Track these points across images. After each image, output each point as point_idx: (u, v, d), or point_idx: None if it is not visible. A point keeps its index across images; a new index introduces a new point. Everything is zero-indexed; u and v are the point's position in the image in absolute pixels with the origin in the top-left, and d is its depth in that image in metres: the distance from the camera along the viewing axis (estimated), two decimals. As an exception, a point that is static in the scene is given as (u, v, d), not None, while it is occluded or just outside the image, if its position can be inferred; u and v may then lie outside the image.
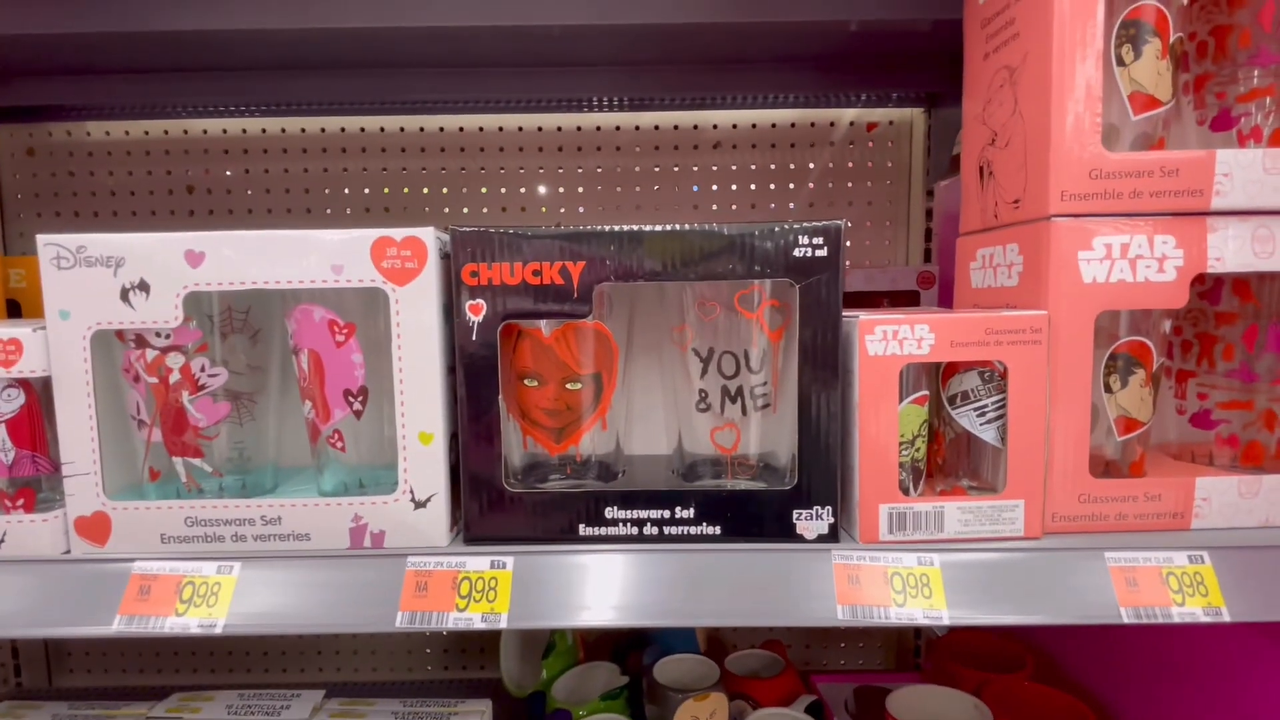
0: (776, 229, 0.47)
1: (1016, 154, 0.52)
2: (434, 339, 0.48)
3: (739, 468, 0.51)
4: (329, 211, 1.08)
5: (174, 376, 0.50)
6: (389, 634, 1.10)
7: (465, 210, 1.10)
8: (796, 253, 0.47)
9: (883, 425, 0.48)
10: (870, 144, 1.11)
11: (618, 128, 1.12)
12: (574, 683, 0.97)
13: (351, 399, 0.50)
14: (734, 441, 0.51)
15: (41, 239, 0.48)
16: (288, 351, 0.56)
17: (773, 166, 1.12)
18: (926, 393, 0.50)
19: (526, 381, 0.51)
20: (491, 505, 0.50)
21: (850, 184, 1.12)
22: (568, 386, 0.50)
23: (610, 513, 0.49)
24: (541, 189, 1.11)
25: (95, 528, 0.49)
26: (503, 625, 0.47)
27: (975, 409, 0.50)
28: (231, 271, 0.48)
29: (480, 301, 0.48)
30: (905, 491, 0.49)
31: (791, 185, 1.12)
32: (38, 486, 0.50)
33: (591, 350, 0.50)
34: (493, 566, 0.49)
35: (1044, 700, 0.83)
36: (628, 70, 1.01)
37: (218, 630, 0.47)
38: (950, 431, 0.53)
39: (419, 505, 0.50)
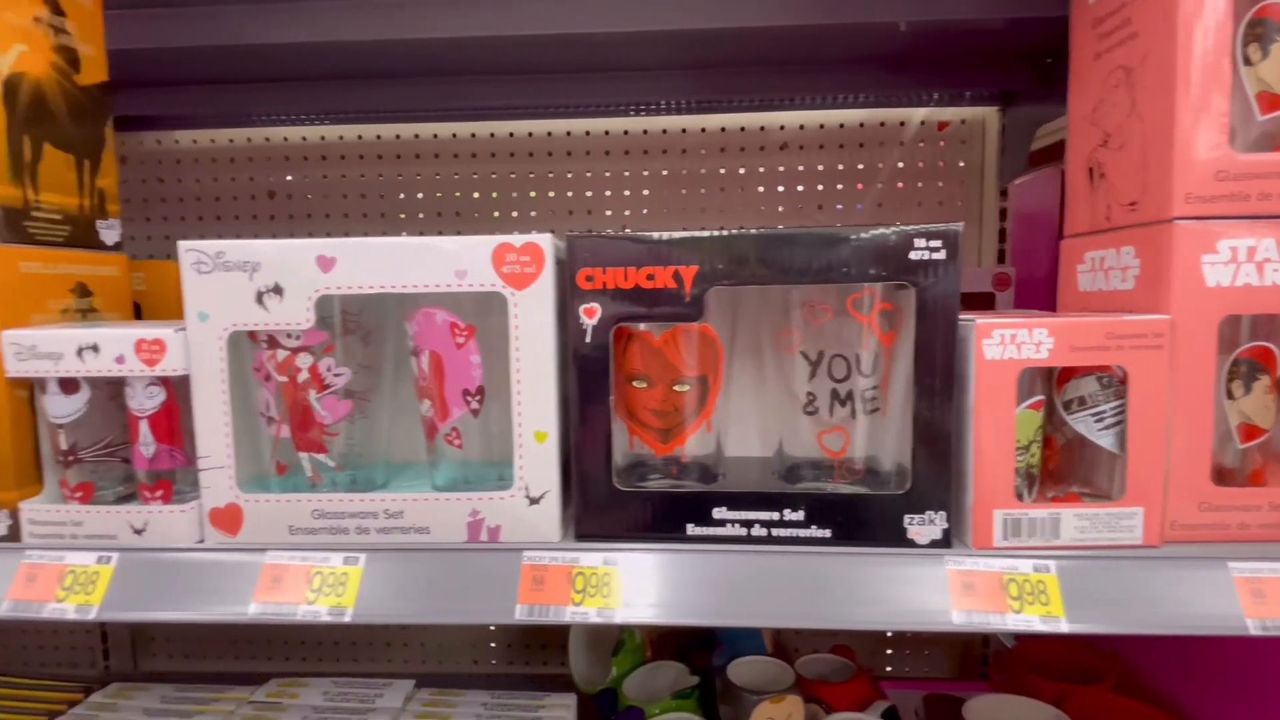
0: (893, 231, 0.47)
1: (1134, 155, 0.51)
2: (549, 341, 0.50)
3: (845, 472, 0.52)
4: (402, 216, 1.11)
5: (302, 376, 0.52)
6: (468, 628, 1.13)
7: (533, 214, 1.12)
8: (913, 255, 0.47)
9: (999, 430, 0.47)
10: (941, 143, 1.10)
11: (684, 130, 1.12)
12: (643, 680, 0.98)
13: (470, 398, 0.52)
14: (843, 445, 0.51)
15: (183, 245, 0.51)
16: (399, 351, 0.58)
17: (841, 167, 1.11)
18: (1042, 398, 0.49)
19: (635, 383, 0.52)
20: (602, 503, 0.51)
21: (920, 184, 1.10)
22: (675, 388, 0.51)
23: (719, 513, 0.50)
24: (608, 193, 1.12)
25: (228, 518, 0.52)
26: (616, 620, 0.48)
27: (1093, 415, 0.49)
28: (360, 276, 0.50)
29: (594, 305, 0.49)
30: (1019, 497, 0.49)
31: (860, 185, 1.11)
32: (173, 479, 0.53)
33: (699, 353, 0.51)
34: (605, 563, 0.50)
35: (1127, 713, 0.81)
36: (695, 73, 1.01)
37: (346, 619, 0.49)
38: (1061, 437, 0.52)
39: (533, 501, 0.51)
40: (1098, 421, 0.49)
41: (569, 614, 0.48)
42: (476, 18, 0.83)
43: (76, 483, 0.53)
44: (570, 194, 1.12)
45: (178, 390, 0.53)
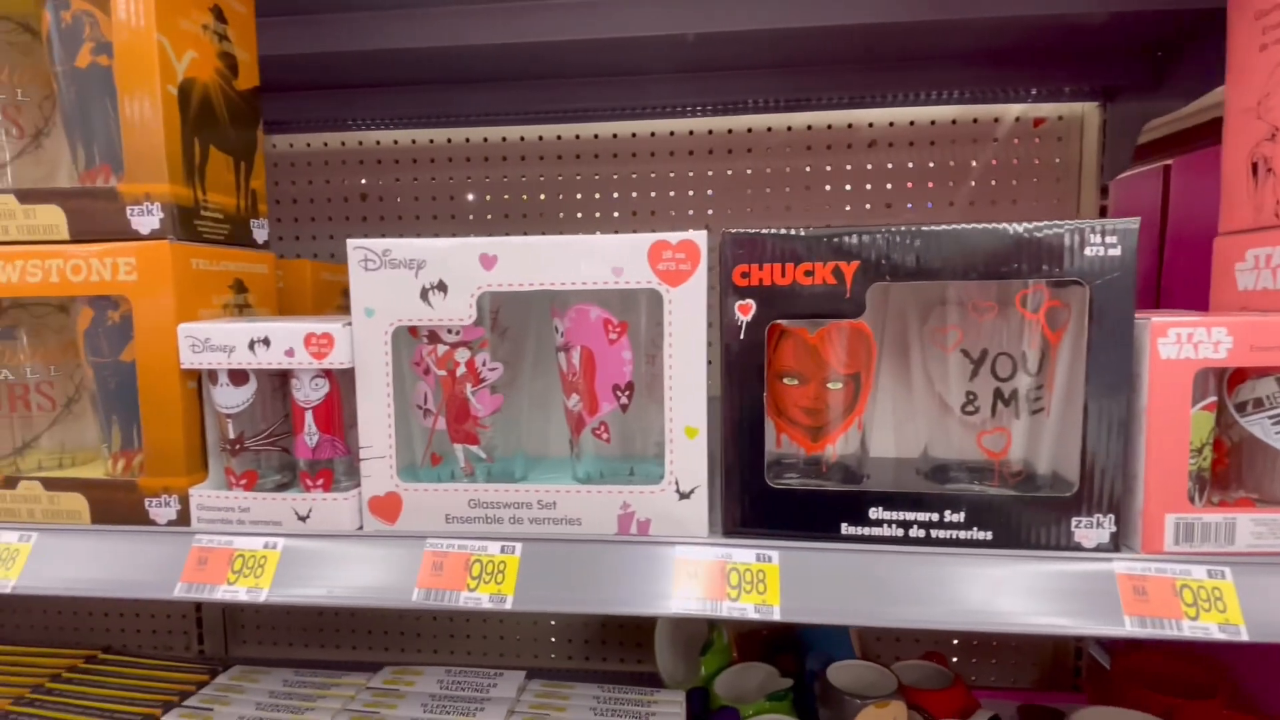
0: (1067, 228, 0.46)
1: (1312, 149, 0.49)
2: (701, 338, 0.50)
3: (1004, 473, 0.51)
4: (488, 217, 1.13)
5: (460, 370, 0.53)
6: (576, 621, 1.14)
7: (615, 215, 1.13)
8: (1088, 252, 0.46)
9: (1173, 432, 0.46)
10: (1036, 140, 1.07)
11: (769, 129, 1.12)
12: (732, 681, 0.98)
13: (619, 393, 0.53)
14: (1003, 446, 0.50)
15: (351, 243, 0.53)
16: (537, 348, 0.59)
17: (931, 164, 1.09)
18: (1215, 399, 0.48)
19: (786, 380, 0.52)
20: (753, 500, 0.51)
21: (1015, 182, 1.08)
22: (829, 386, 0.51)
23: (875, 513, 0.50)
24: (690, 192, 1.13)
25: (387, 507, 0.54)
26: (775, 618, 0.48)
27: (1270, 417, 0.47)
28: (520, 274, 0.51)
29: (750, 302, 0.49)
30: (1191, 501, 0.47)
31: (951, 184, 1.09)
32: (333, 468, 0.55)
33: (854, 350, 0.51)
34: (758, 559, 0.50)
35: (1241, 729, 0.78)
36: (784, 72, 1.01)
37: (507, 606, 0.50)
38: (1228, 440, 0.50)
39: (683, 496, 0.52)
40: (1275, 424, 0.47)
41: (725, 608, 0.48)
42: (567, 20, 0.85)
43: (242, 471, 0.55)
44: (653, 194, 1.12)
45: (340, 382, 0.55)
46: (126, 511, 0.55)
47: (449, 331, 0.53)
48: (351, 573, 0.53)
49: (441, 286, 0.52)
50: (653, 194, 1.12)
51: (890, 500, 0.50)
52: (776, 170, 1.10)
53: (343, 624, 1.26)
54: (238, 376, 0.54)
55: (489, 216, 1.14)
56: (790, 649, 1.05)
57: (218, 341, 0.53)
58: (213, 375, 0.54)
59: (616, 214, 1.13)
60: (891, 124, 1.08)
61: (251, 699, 0.75)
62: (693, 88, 1.02)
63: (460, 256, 0.51)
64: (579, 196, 1.13)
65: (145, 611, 1.28)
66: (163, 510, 0.55)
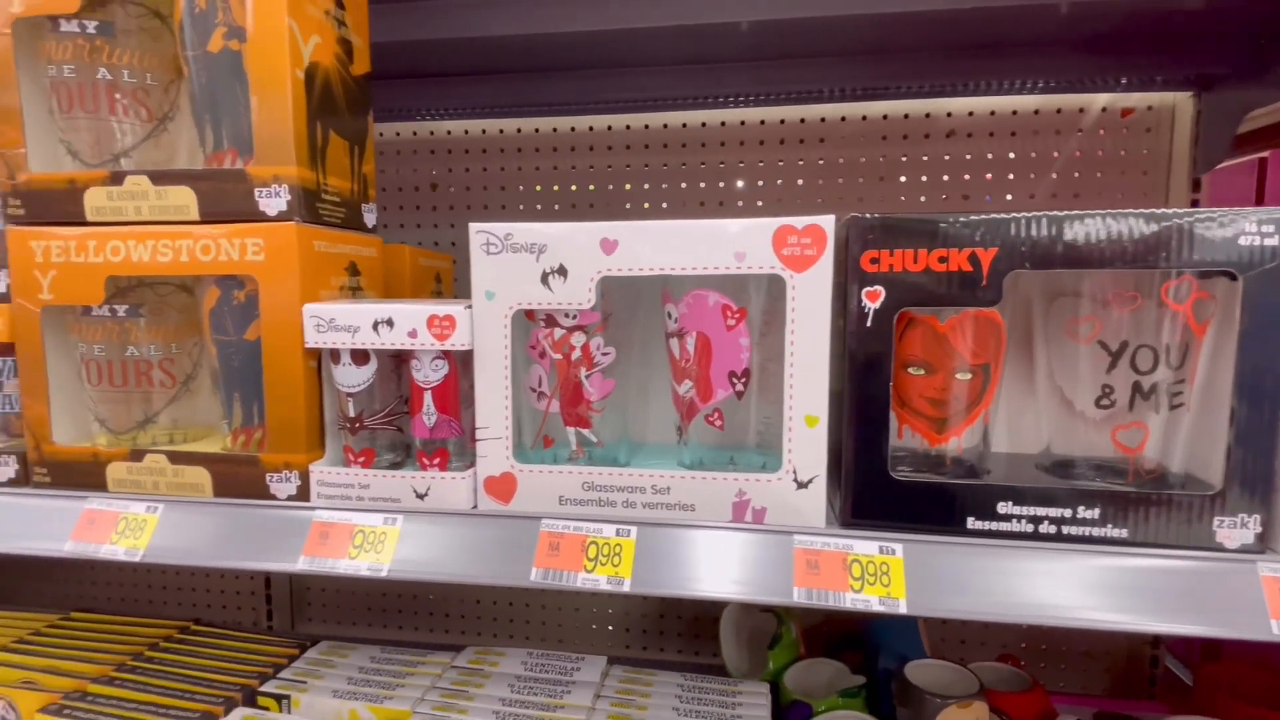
0: (1219, 216, 0.44)
1: None
2: (825, 324, 0.50)
3: (1138, 470, 0.49)
4: (555, 207, 1.14)
5: (575, 354, 0.54)
6: (634, 610, 1.15)
7: (684, 205, 1.12)
8: (1243, 241, 0.44)
9: (1331, 430, 0.44)
10: (1124, 131, 1.03)
11: (843, 118, 1.10)
12: (800, 676, 0.97)
13: (735, 380, 0.53)
14: (1140, 441, 0.49)
15: (474, 227, 0.53)
16: (643, 333, 0.59)
17: (1012, 155, 1.06)
18: (1374, 397, 0.45)
19: (912, 369, 0.51)
20: (875, 491, 0.50)
21: (1099, 174, 1.04)
22: (957, 376, 0.50)
23: (1004, 508, 0.49)
24: (760, 182, 1.11)
25: (502, 487, 0.55)
26: (902, 610, 0.47)
27: None
28: (641, 258, 0.51)
29: (878, 288, 0.49)
30: (1345, 503, 0.45)
31: (1032, 175, 1.06)
32: (448, 448, 0.56)
33: (984, 340, 0.50)
34: (881, 552, 0.49)
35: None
36: (864, 60, 0.99)
37: (625, 589, 0.50)
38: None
39: (801, 486, 0.51)
40: None
41: (849, 600, 0.48)
42: (648, 6, 0.84)
43: (360, 449, 0.56)
44: (721, 184, 1.11)
45: (457, 364, 0.55)
46: (247, 486, 0.57)
47: (566, 315, 0.53)
48: (469, 551, 0.53)
49: (562, 270, 0.52)
50: (721, 184, 1.11)
51: (1021, 495, 0.48)
52: (850, 160, 1.08)
53: (405, 605, 1.28)
54: (359, 356, 0.55)
55: (556, 206, 1.14)
56: (855, 646, 1.04)
57: (342, 322, 0.54)
58: (335, 355, 0.55)
59: (684, 204, 1.12)
60: (971, 113, 1.06)
61: (342, 674, 0.76)
62: (766, 77, 1.01)
63: (581, 240, 0.52)
64: (646, 187, 1.12)
65: (215, 587, 1.32)
66: (283, 485, 0.56)
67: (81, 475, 0.60)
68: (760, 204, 1.11)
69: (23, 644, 0.84)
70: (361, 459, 0.56)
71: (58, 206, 0.58)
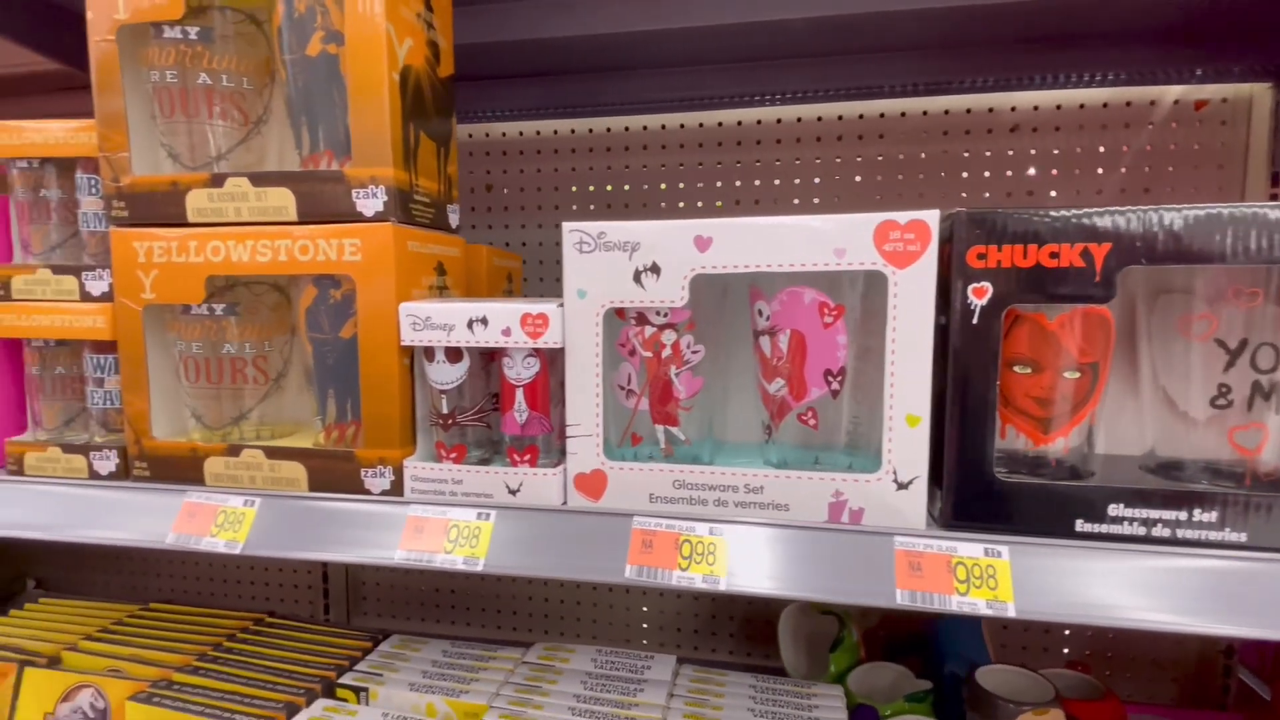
0: (1357, 208, 0.42)
1: None
2: (929, 321, 0.49)
3: (1258, 473, 0.47)
4: (608, 206, 1.14)
5: (665, 352, 0.54)
6: (686, 610, 1.14)
7: (738, 202, 1.12)
8: (1383, 235, 0.42)
9: None
10: (1198, 124, 1.00)
11: (903, 114, 1.08)
12: (862, 679, 0.96)
13: (831, 378, 0.52)
14: (1259, 443, 0.47)
15: (567, 226, 0.53)
16: (728, 330, 0.59)
17: (1079, 150, 1.03)
18: None
19: (1017, 368, 0.50)
20: (979, 493, 0.49)
21: (1171, 168, 1.01)
22: (1065, 375, 0.49)
23: (1115, 510, 0.47)
24: (816, 180, 1.10)
25: (593, 484, 0.55)
26: (1010, 614, 0.46)
27: None
28: (736, 256, 0.51)
29: (985, 284, 0.48)
30: None
31: (1100, 170, 1.03)
32: (538, 444, 0.57)
33: (1093, 338, 0.49)
34: (987, 554, 0.48)
35: None
36: (927, 54, 0.97)
37: (721, 587, 0.50)
38: None
39: (901, 486, 0.50)
40: None
41: (954, 602, 0.47)
42: (711, 5, 0.83)
43: (452, 445, 0.57)
44: (777, 181, 1.10)
45: (548, 361, 0.56)
46: (342, 480, 0.58)
47: (657, 313, 0.53)
48: (562, 546, 0.54)
49: (655, 268, 0.52)
50: (776, 181, 1.10)
51: (1134, 497, 0.47)
52: (910, 156, 1.06)
53: (458, 601, 1.30)
54: (453, 354, 0.56)
55: (609, 206, 1.14)
56: (913, 650, 1.03)
57: (438, 320, 0.55)
58: (429, 352, 0.56)
59: (738, 201, 1.11)
60: (1036, 108, 1.03)
61: (416, 667, 0.78)
62: (825, 73, 1.00)
63: (674, 238, 0.51)
64: (699, 185, 1.12)
65: (274, 580, 1.35)
66: (377, 480, 0.57)
67: (180, 469, 0.61)
68: (817, 201, 1.10)
69: (106, 633, 0.87)
70: (453, 455, 0.57)
71: (160, 208, 0.60)
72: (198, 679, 0.76)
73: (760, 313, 0.54)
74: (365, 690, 0.74)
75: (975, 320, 0.48)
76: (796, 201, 1.12)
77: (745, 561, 0.51)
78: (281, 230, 0.57)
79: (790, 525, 0.52)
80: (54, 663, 0.80)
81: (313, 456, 0.58)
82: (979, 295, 0.48)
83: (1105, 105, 1.01)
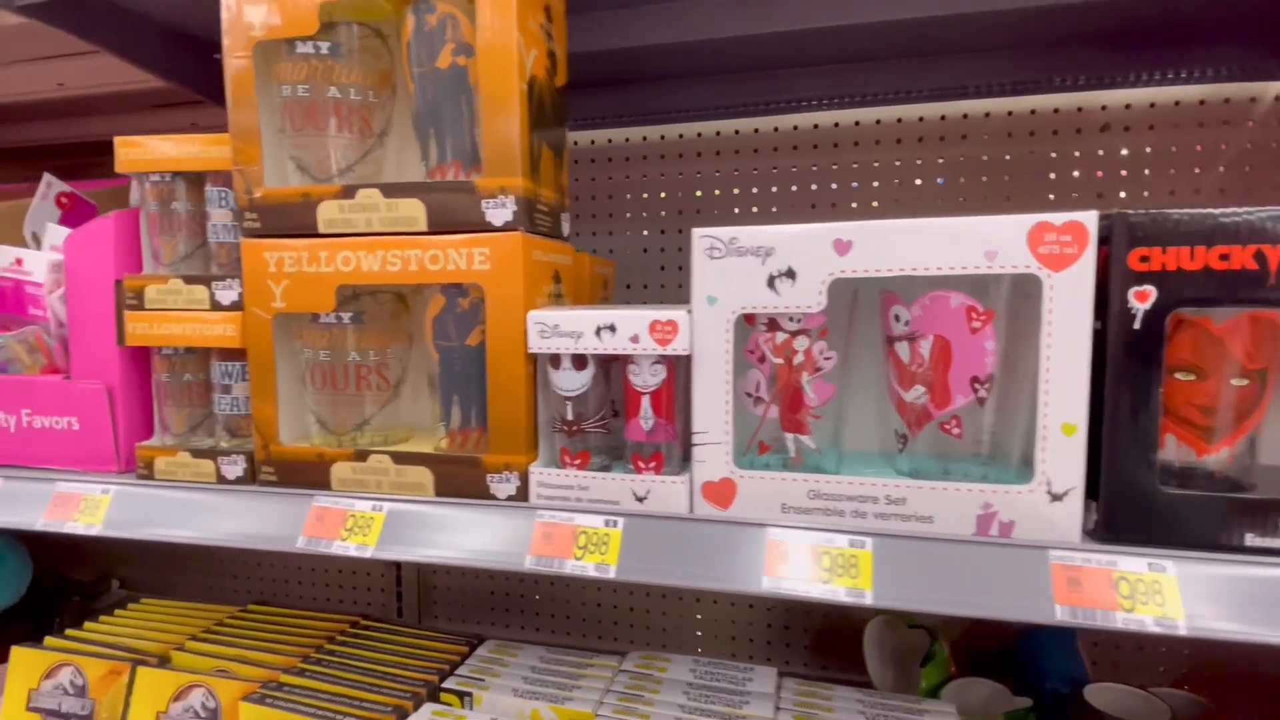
0: None
1: None
2: (1086, 326, 0.47)
3: None
4: (680, 212, 1.13)
5: (798, 358, 0.53)
6: (759, 621, 1.13)
7: (813, 207, 1.10)
8: None
9: None
10: (1302, 121, 0.95)
11: (987, 114, 1.05)
12: (955, 695, 0.93)
13: (978, 385, 0.51)
14: None
15: (697, 232, 0.53)
16: (853, 335, 0.57)
17: (1174, 149, 0.99)
18: None
19: (1179, 375, 0.48)
20: (1139, 505, 0.47)
21: (1276, 168, 0.96)
22: (1232, 382, 0.46)
23: (1294, 523, 0.45)
24: (896, 181, 1.08)
25: (721, 492, 0.54)
26: (1180, 631, 0.44)
27: None
28: (878, 259, 0.50)
29: (1148, 288, 0.46)
30: None
31: (1196, 170, 0.99)
32: (663, 451, 0.56)
33: (1263, 344, 0.46)
34: (1151, 569, 0.46)
35: None
36: (1017, 54, 0.95)
37: (866, 601, 0.49)
38: None
39: (1055, 498, 0.48)
40: None
41: (1120, 619, 0.45)
42: (797, 9, 0.83)
43: (576, 451, 0.57)
44: (855, 185, 1.08)
45: (675, 368, 0.55)
46: (468, 485, 0.58)
47: (790, 319, 0.53)
48: (693, 555, 0.53)
49: (790, 274, 0.51)
50: (854, 184, 1.09)
51: (1316, 511, 0.44)
52: (994, 157, 1.04)
53: (528, 606, 1.31)
54: (579, 361, 0.56)
55: (679, 212, 1.14)
56: (1006, 667, 0.99)
57: (566, 328, 0.55)
58: (555, 359, 0.56)
59: (813, 206, 1.10)
60: (1128, 106, 0.99)
61: (516, 673, 0.78)
62: (907, 74, 0.98)
63: (811, 243, 0.51)
64: (774, 190, 1.11)
65: (348, 583, 1.38)
66: (503, 486, 0.58)
67: (306, 474, 0.63)
68: (897, 202, 1.08)
69: (210, 634, 0.89)
70: (578, 461, 0.57)
71: (291, 219, 0.61)
72: (305, 680, 0.77)
73: (897, 318, 0.53)
74: (469, 695, 0.74)
75: (1137, 325, 0.46)
76: (875, 204, 1.10)
77: (890, 575, 0.49)
78: (412, 240, 0.58)
79: (938, 538, 0.50)
80: (164, 662, 0.83)
81: (439, 462, 0.59)
82: (1141, 299, 0.46)
83: (1202, 103, 0.97)
